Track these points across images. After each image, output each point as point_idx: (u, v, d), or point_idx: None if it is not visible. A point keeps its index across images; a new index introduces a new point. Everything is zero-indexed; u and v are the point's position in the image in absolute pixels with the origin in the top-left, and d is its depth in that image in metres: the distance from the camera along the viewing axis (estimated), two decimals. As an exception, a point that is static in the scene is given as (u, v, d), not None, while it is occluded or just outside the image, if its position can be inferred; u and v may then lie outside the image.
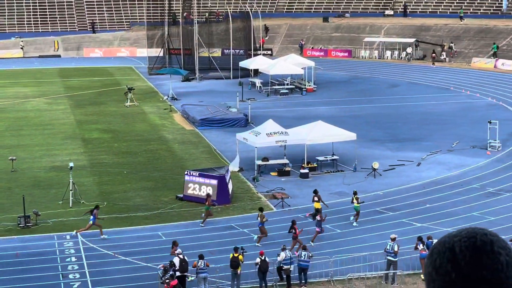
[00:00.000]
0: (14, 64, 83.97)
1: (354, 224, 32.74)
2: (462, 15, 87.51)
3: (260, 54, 75.93)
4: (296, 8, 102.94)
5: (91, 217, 31.20)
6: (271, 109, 56.97)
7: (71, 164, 36.08)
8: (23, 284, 26.81)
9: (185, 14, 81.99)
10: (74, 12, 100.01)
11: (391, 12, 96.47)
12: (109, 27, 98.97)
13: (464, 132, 49.13)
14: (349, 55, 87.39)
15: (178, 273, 26.02)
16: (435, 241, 28.15)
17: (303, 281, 27.16)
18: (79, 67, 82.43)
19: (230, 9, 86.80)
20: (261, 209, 32.46)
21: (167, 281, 25.24)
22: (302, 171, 39.74)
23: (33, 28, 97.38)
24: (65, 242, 30.87)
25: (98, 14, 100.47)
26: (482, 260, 2.66)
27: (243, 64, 70.23)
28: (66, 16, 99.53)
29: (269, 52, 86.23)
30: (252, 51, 75.40)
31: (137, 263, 28.65)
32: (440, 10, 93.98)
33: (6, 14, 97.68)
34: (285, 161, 40.83)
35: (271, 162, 40.68)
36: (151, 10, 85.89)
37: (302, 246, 28.06)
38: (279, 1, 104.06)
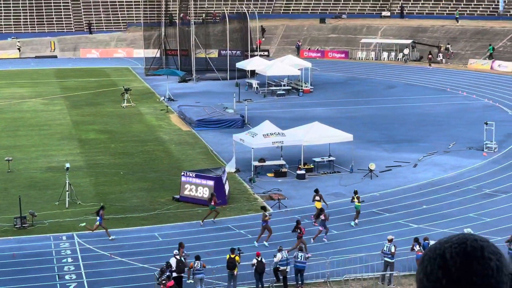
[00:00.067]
0: (10, 64, 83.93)
1: (353, 223, 32.71)
2: (457, 16, 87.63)
3: (257, 55, 75.89)
4: (293, 9, 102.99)
5: (98, 217, 31.12)
6: (267, 110, 56.98)
7: (68, 165, 36.07)
8: (20, 285, 26.74)
9: (181, 15, 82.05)
10: (71, 13, 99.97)
11: (388, 14, 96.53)
12: (105, 28, 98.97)
13: (461, 133, 49.18)
14: (346, 56, 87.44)
15: (174, 274, 26.04)
16: (431, 242, 28.16)
17: (300, 282, 27.13)
18: (76, 68, 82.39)
19: (227, 10, 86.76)
20: (263, 208, 32.41)
21: (163, 282, 25.26)
22: (298, 172, 39.74)
23: (29, 28, 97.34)
24: (61, 243, 30.84)
25: (94, 14, 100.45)
26: (472, 266, 2.67)
27: (239, 65, 70.22)
28: (63, 16, 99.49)
29: (266, 53, 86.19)
30: (249, 52, 75.37)
31: (134, 264, 28.64)
32: (437, 12, 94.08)
33: (3, 14, 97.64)
34: (282, 162, 40.81)
35: (267, 163, 40.64)
36: (148, 11, 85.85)
37: (299, 247, 28.05)
38: (276, 2, 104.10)
